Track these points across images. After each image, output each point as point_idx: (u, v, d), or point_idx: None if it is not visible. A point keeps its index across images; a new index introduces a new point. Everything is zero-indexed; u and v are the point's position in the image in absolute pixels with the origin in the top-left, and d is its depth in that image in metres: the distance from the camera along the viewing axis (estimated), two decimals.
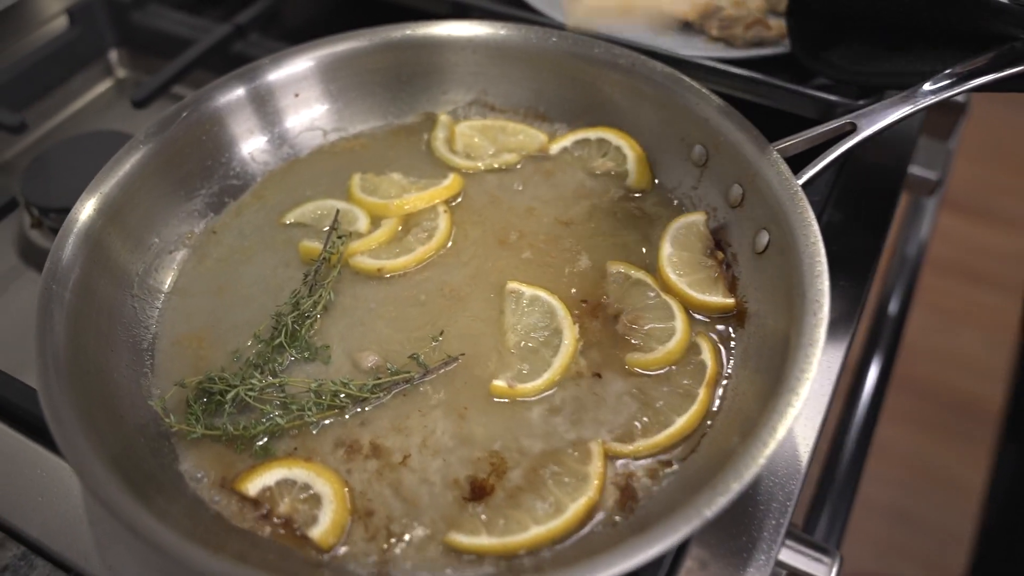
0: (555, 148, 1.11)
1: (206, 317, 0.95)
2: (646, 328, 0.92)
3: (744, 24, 1.24)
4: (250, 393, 0.86)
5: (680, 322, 0.91)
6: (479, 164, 1.10)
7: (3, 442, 0.89)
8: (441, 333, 0.92)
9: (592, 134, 1.11)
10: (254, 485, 0.81)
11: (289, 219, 1.04)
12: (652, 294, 0.94)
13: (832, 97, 1.15)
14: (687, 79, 1.04)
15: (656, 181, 1.07)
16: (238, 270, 1.00)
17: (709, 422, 0.85)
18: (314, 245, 0.99)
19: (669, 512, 0.70)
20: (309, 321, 0.92)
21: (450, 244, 1.01)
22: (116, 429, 0.81)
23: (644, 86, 1.06)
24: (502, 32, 1.12)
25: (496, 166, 1.10)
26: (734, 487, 0.70)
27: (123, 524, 0.69)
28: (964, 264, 2.84)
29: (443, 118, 1.14)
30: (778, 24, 1.25)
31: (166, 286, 0.98)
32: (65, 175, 1.16)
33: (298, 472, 0.81)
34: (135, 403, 0.86)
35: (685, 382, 0.88)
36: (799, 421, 0.86)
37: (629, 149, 1.08)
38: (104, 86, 1.43)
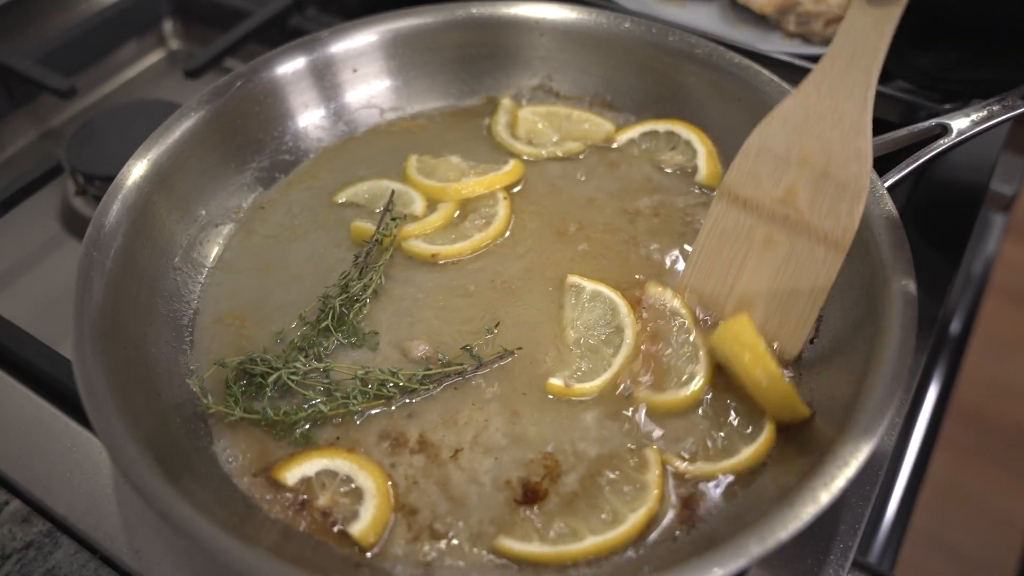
0: (621, 139, 1.06)
1: (250, 295, 0.91)
2: (666, 362, 0.84)
3: (824, 20, 1.18)
4: (293, 377, 0.81)
5: (703, 368, 0.82)
6: (541, 151, 1.05)
7: (35, 415, 0.86)
8: (497, 325, 0.87)
9: (661, 126, 1.05)
10: (293, 474, 0.76)
11: (341, 198, 1.00)
12: (683, 327, 0.86)
13: (916, 100, 1.08)
14: (766, 72, 0.99)
15: None
16: (286, 248, 0.96)
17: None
18: (366, 226, 0.94)
19: (737, 530, 0.65)
20: (358, 305, 0.88)
21: (508, 233, 0.97)
22: (151, 406, 0.77)
23: (720, 78, 1.01)
24: (572, 15, 1.07)
25: (559, 154, 1.05)
26: (811, 509, 0.64)
27: (152, 507, 0.64)
28: (1022, 289, 2.74)
29: (506, 102, 1.09)
30: None
31: (210, 260, 0.94)
32: (112, 143, 1.12)
33: (340, 463, 0.77)
34: (172, 381, 0.82)
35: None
36: None
37: (700, 143, 1.02)
38: (156, 57, 1.40)
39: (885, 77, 1.11)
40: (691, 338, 0.85)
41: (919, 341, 0.93)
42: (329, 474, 0.76)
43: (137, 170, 0.88)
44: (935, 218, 1.07)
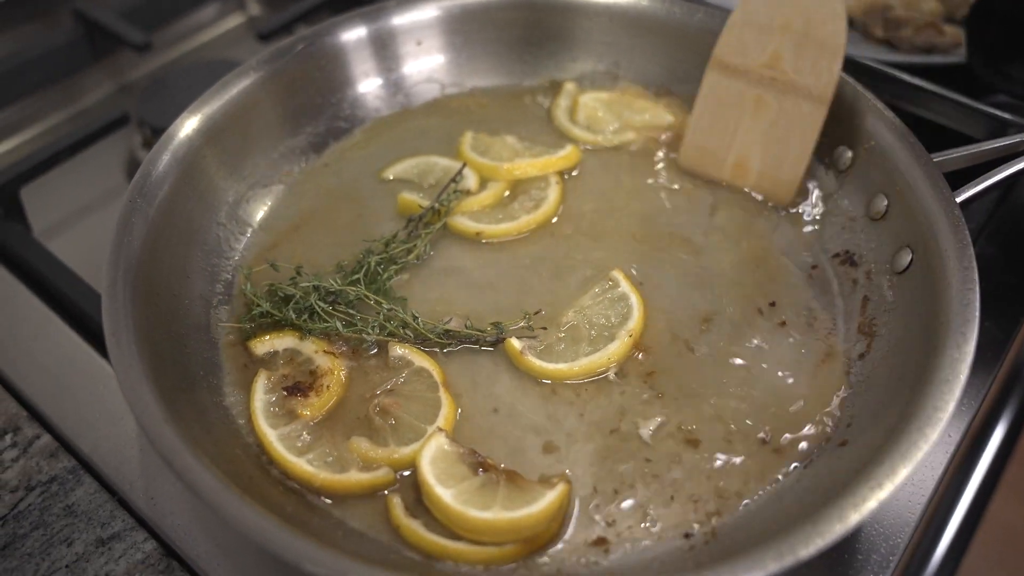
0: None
1: (290, 257, 0.91)
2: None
3: (915, 27, 1.12)
4: (320, 303, 0.82)
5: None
6: (599, 138, 1.02)
7: (75, 355, 0.88)
8: (537, 312, 0.85)
9: None
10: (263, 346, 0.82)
11: (390, 171, 0.99)
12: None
13: (1007, 116, 1.02)
14: (842, 73, 0.94)
15: None
16: (331, 214, 0.95)
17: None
18: (413, 198, 0.93)
19: (756, 543, 0.61)
20: (395, 267, 0.87)
21: (556, 219, 0.94)
22: (176, 356, 0.78)
23: None
24: (644, 2, 1.05)
25: (617, 143, 1.02)
26: (837, 528, 0.61)
27: (158, 453, 0.64)
28: None
29: (568, 86, 1.07)
30: (953, 31, 1.13)
31: (255, 220, 0.94)
32: (182, 98, 1.12)
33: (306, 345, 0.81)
34: (200, 335, 0.83)
35: None
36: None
37: None
38: (234, 21, 1.42)
39: (981, 90, 1.06)
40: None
41: (985, 370, 0.88)
42: (294, 352, 0.81)
43: (189, 124, 0.89)
44: (1017, 242, 1.01)
